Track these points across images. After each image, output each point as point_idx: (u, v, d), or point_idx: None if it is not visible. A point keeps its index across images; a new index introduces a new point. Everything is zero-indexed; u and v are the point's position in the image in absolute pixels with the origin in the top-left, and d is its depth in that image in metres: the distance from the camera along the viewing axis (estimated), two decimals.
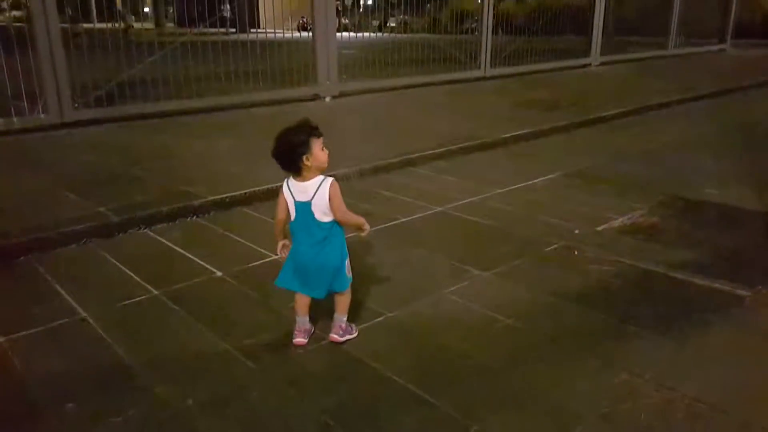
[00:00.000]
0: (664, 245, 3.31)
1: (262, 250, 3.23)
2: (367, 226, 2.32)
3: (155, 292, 2.78)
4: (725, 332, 2.43)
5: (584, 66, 12.64)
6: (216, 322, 2.52)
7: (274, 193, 3.75)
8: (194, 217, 3.77)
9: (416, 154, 5.15)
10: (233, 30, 8.31)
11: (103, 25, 7.25)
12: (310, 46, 8.14)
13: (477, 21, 16.33)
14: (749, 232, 3.49)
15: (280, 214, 2.32)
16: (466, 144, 5.58)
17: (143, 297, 2.74)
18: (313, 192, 2.20)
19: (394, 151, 5.14)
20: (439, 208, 3.96)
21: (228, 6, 8.50)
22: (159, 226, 3.62)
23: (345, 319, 2.38)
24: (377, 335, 2.43)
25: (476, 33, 10.61)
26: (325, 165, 2.23)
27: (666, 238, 3.41)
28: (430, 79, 9.66)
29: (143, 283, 2.86)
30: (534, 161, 5.26)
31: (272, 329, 2.47)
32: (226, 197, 3.97)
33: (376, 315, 2.56)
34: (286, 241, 2.36)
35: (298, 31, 13.15)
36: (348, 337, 2.38)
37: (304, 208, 2.23)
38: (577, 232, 3.50)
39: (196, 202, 3.85)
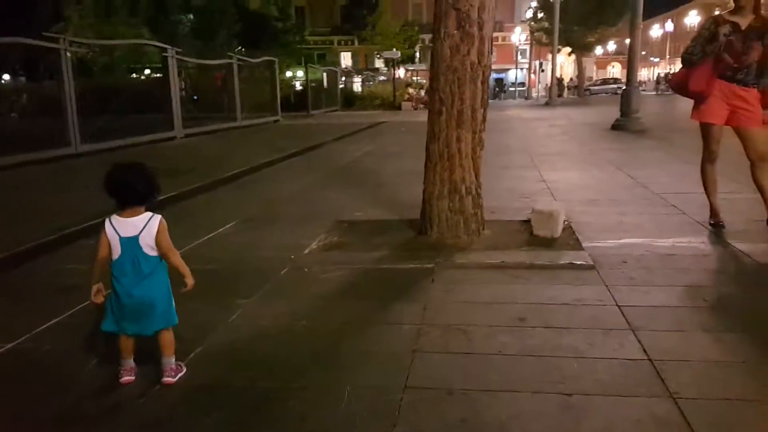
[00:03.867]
0: (359, 251, 4.24)
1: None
2: (191, 280, 2.42)
3: None
4: (440, 286, 3.44)
5: (171, 138, 13.30)
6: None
7: None
8: None
9: (71, 229, 4.95)
10: None
11: None
12: None
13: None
14: (403, 231, 4.71)
15: (102, 252, 2.35)
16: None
17: None
18: (141, 226, 2.33)
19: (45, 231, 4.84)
20: None
21: None
22: None
23: (173, 360, 2.49)
24: (200, 367, 2.58)
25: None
26: None
27: (356, 247, 4.36)
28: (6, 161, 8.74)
29: None
30: (205, 216, 5.66)
31: (85, 395, 2.37)
32: None
33: (184, 354, 2.66)
34: (101, 285, 2.38)
35: None
36: (180, 375, 2.49)
37: (131, 242, 2.33)
38: (292, 257, 4.15)
39: None
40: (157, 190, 2.44)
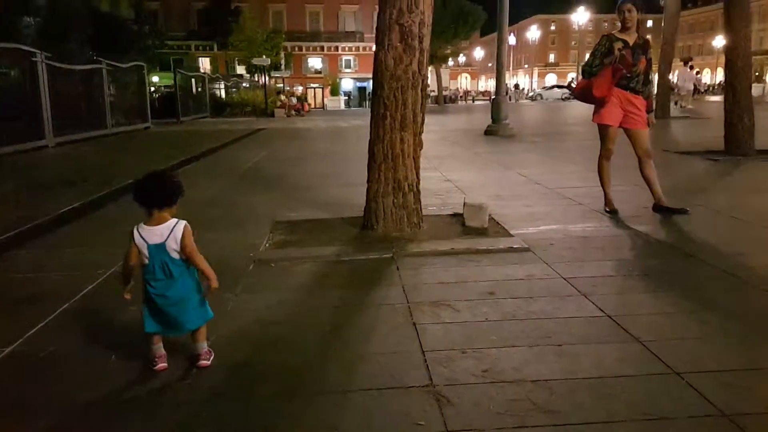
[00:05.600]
0: (313, 246, 4.48)
1: None
2: (215, 283, 2.54)
3: None
4: (407, 272, 3.81)
5: (42, 148, 12.43)
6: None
7: None
8: None
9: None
10: None
11: None
12: None
13: None
14: (345, 228, 5.01)
15: (132, 260, 2.47)
16: (41, 221, 5.39)
17: None
18: (167, 233, 2.47)
19: None
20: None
21: None
22: None
23: (206, 344, 2.64)
24: (224, 351, 2.74)
25: None
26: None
27: (309, 243, 4.59)
28: None
29: None
30: (130, 223, 5.56)
31: (125, 383, 2.46)
32: None
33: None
34: (130, 291, 2.50)
35: None
36: (211, 358, 2.66)
37: (159, 249, 2.46)
38: (252, 255, 4.31)
39: None
40: (175, 192, 2.53)
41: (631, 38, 4.98)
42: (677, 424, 2.05)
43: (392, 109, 4.56)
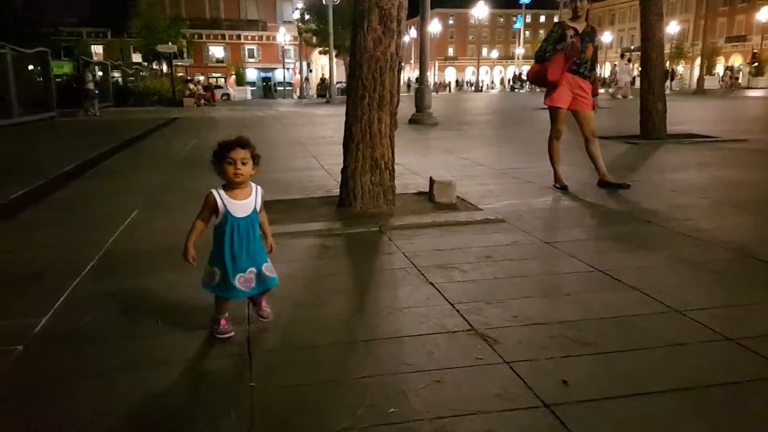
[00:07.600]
0: (298, 223, 4.58)
1: None
2: (186, 255, 2.53)
3: None
4: (401, 242, 4.04)
5: None
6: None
7: None
8: None
9: None
10: None
11: None
12: None
13: None
14: (321, 206, 5.15)
15: None
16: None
17: None
18: None
19: None
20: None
21: None
22: None
23: (220, 317, 2.60)
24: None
25: None
26: (234, 180, 2.51)
27: (292, 221, 4.65)
28: None
29: None
30: (95, 208, 5.42)
31: (187, 345, 2.56)
32: None
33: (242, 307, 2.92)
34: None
35: None
36: (218, 335, 2.56)
37: None
38: None
39: None
40: (214, 161, 2.55)
41: (580, 26, 5.47)
42: (694, 348, 2.44)
43: (370, 90, 4.75)
